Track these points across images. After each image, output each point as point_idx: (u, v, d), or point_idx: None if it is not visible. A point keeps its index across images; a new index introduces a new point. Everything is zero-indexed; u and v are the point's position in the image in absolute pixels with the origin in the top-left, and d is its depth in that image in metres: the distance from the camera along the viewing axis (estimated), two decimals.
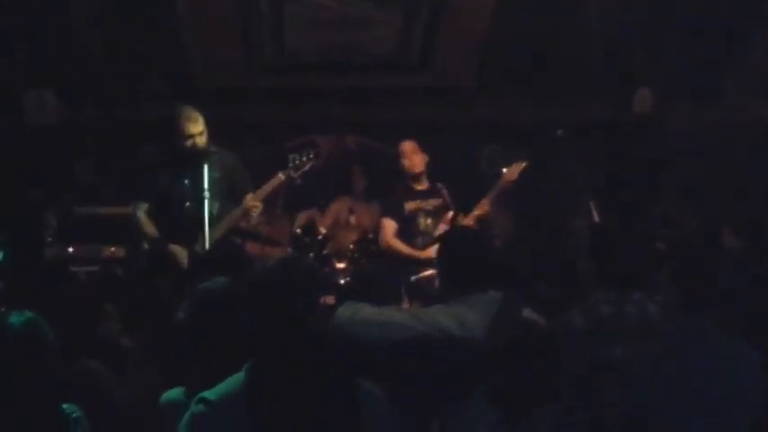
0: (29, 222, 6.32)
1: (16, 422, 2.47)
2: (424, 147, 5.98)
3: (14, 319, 2.54)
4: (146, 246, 5.06)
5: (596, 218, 5.43)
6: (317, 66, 7.15)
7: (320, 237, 6.10)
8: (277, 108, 7.27)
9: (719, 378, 2.64)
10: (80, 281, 5.83)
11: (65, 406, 2.59)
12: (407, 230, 5.85)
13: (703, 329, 2.69)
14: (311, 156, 5.21)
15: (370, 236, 6.22)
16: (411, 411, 2.79)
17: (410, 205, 5.89)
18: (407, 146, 5.96)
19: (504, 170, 5.80)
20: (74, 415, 2.58)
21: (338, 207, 7.05)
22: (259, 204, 5.11)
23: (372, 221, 6.54)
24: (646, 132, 7.28)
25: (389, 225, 5.89)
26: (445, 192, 5.92)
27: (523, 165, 5.78)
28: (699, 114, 7.04)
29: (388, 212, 5.99)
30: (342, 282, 5.89)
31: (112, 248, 6.23)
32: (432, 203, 5.89)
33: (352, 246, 6.22)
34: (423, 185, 5.96)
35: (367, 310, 3.03)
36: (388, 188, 6.17)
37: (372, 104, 7.29)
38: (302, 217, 6.84)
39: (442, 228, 5.71)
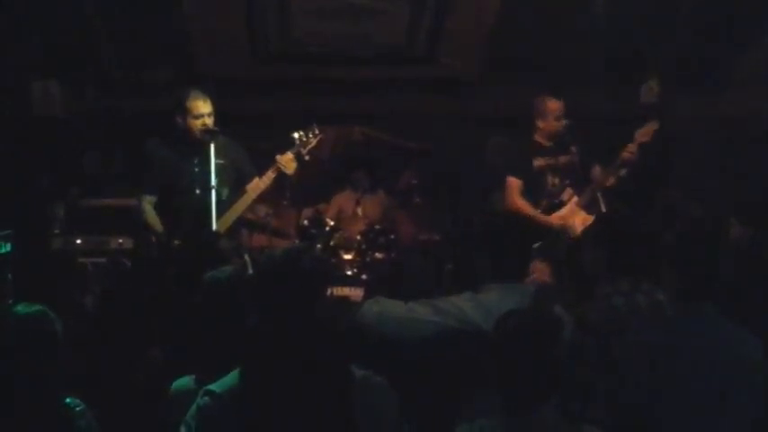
0: (36, 214, 6.33)
1: (22, 413, 2.48)
2: (426, 137, 5.88)
3: (22, 310, 2.55)
4: (153, 238, 5.06)
5: (603, 208, 5.42)
6: (322, 56, 7.13)
7: (327, 228, 6.12)
8: (281, 98, 7.26)
9: (722, 363, 2.66)
10: (87, 272, 5.88)
11: (69, 399, 2.60)
12: (534, 189, 5.50)
13: (704, 316, 2.70)
14: (317, 132, 5.16)
15: (377, 227, 6.22)
16: (439, 401, 2.81)
17: (539, 161, 5.53)
18: (556, 105, 5.54)
19: (638, 132, 5.37)
20: (78, 408, 2.59)
21: (343, 199, 7.06)
22: (293, 159, 5.03)
23: (379, 212, 6.53)
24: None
25: (515, 183, 5.49)
26: (575, 149, 5.49)
27: (656, 125, 5.38)
28: (705, 105, 7.01)
29: (512, 170, 5.53)
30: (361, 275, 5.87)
31: (120, 240, 6.25)
32: (561, 160, 5.54)
33: (359, 237, 6.24)
34: (551, 143, 5.57)
35: (393, 307, 3.02)
36: (514, 145, 5.75)
37: (377, 95, 7.27)
38: (309, 210, 6.85)
39: (568, 192, 5.49)
